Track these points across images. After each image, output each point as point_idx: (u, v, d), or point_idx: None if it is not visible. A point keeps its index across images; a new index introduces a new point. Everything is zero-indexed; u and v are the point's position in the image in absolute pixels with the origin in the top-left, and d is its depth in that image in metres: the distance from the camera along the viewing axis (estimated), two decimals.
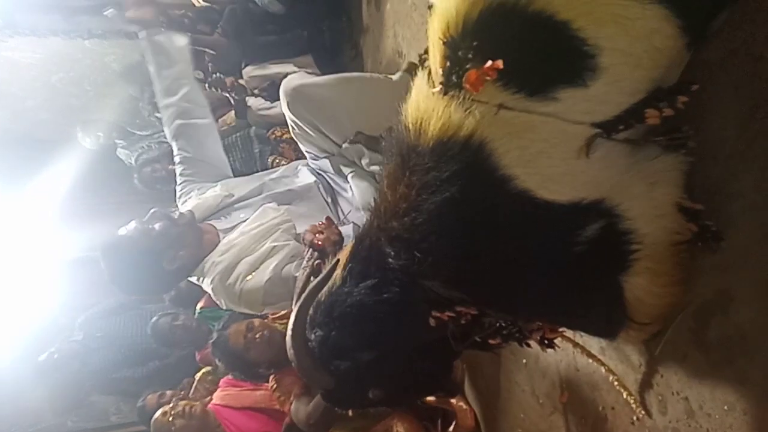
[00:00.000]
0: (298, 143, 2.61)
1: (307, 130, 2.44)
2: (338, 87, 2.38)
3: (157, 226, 2.23)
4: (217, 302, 2.36)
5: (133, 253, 2.19)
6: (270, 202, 2.47)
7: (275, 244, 2.26)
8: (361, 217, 2.38)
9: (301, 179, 2.61)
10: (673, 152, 1.20)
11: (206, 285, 2.30)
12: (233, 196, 2.52)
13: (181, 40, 2.64)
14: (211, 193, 2.51)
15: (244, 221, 2.39)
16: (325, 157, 2.55)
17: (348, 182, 2.51)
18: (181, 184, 2.62)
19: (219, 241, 2.34)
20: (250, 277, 2.20)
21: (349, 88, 2.39)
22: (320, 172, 2.63)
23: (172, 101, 2.58)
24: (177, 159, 2.64)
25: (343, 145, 2.47)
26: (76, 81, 5.37)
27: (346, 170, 2.49)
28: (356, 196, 2.41)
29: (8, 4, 4.78)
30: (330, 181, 2.60)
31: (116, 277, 2.25)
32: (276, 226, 2.34)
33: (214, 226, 2.41)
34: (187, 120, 2.59)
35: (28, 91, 5.30)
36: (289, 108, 2.40)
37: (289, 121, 2.48)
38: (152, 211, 2.30)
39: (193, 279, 2.36)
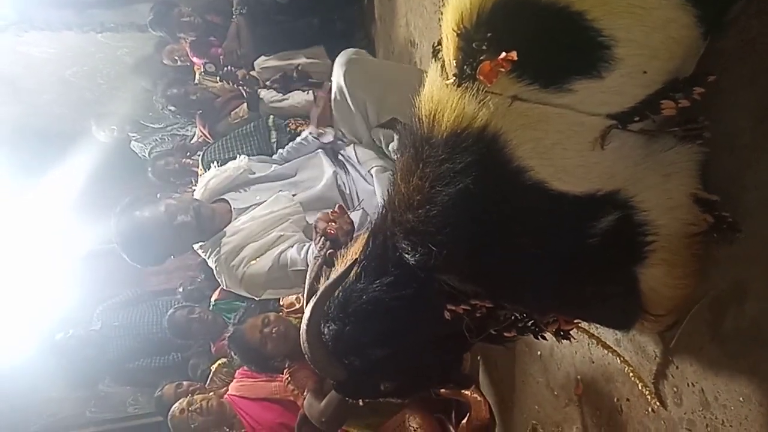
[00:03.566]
0: (333, 115, 2.58)
1: (349, 102, 2.42)
2: (397, 70, 2.41)
3: (178, 219, 2.33)
4: (218, 279, 2.46)
5: (144, 240, 2.32)
6: (286, 190, 2.51)
7: (282, 233, 2.32)
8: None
9: (320, 170, 2.61)
10: (688, 143, 1.19)
11: (211, 261, 2.40)
12: (254, 173, 2.57)
13: None
14: (232, 164, 2.58)
15: (259, 204, 2.45)
16: (351, 143, 2.56)
17: (365, 174, 2.51)
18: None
19: (231, 219, 2.42)
20: (254, 262, 2.28)
21: (405, 75, 2.40)
22: (341, 158, 2.63)
23: None
24: None
25: (374, 129, 2.46)
26: (90, 75, 5.41)
27: (369, 164, 2.49)
28: (378, 191, 2.41)
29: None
30: (350, 170, 2.60)
31: (125, 251, 2.38)
32: (286, 215, 2.39)
33: (229, 204, 2.47)
34: None
35: (43, 85, 5.35)
36: (345, 73, 2.37)
37: (335, 88, 2.45)
38: (180, 214, 2.35)
39: (200, 251, 2.46)
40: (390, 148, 2.44)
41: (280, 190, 2.51)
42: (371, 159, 2.49)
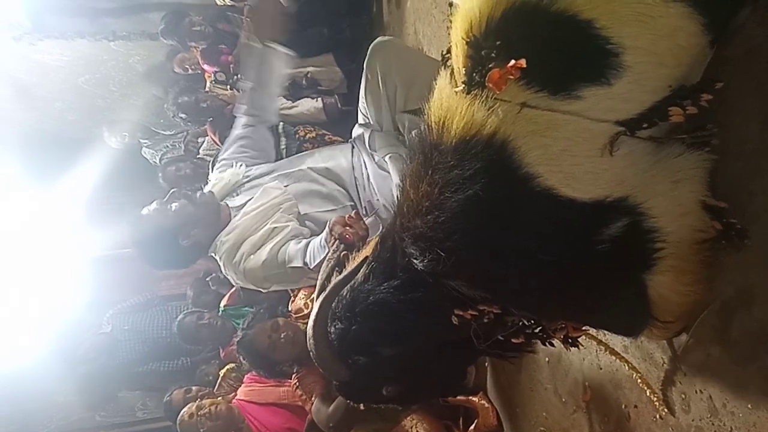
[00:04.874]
0: (362, 96, 2.57)
1: (380, 84, 2.42)
2: (429, 61, 2.39)
3: (173, 205, 2.36)
4: (226, 276, 2.49)
5: (151, 230, 2.35)
6: (278, 181, 2.53)
7: (275, 225, 2.34)
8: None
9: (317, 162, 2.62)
10: (696, 150, 1.20)
11: (218, 259, 2.44)
12: (249, 176, 2.59)
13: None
14: (230, 171, 2.60)
15: (251, 199, 2.47)
16: (370, 128, 2.54)
17: (378, 160, 2.51)
18: (221, 162, 2.70)
19: (231, 220, 2.44)
20: (252, 256, 2.31)
21: (436, 66, 2.41)
22: (356, 143, 2.62)
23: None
24: (240, 134, 2.74)
25: (399, 114, 2.46)
26: (102, 82, 5.47)
27: (384, 150, 2.47)
28: (393, 175, 2.39)
29: (37, 8, 4.88)
30: (364, 156, 2.57)
31: (140, 251, 2.42)
32: (277, 205, 2.40)
33: (228, 204, 2.50)
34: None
35: (56, 93, 5.42)
36: (375, 54, 2.38)
37: (367, 70, 2.45)
38: (172, 191, 2.44)
39: (213, 255, 2.49)
40: (413, 134, 2.44)
41: (275, 179, 2.52)
42: (387, 146, 2.47)
